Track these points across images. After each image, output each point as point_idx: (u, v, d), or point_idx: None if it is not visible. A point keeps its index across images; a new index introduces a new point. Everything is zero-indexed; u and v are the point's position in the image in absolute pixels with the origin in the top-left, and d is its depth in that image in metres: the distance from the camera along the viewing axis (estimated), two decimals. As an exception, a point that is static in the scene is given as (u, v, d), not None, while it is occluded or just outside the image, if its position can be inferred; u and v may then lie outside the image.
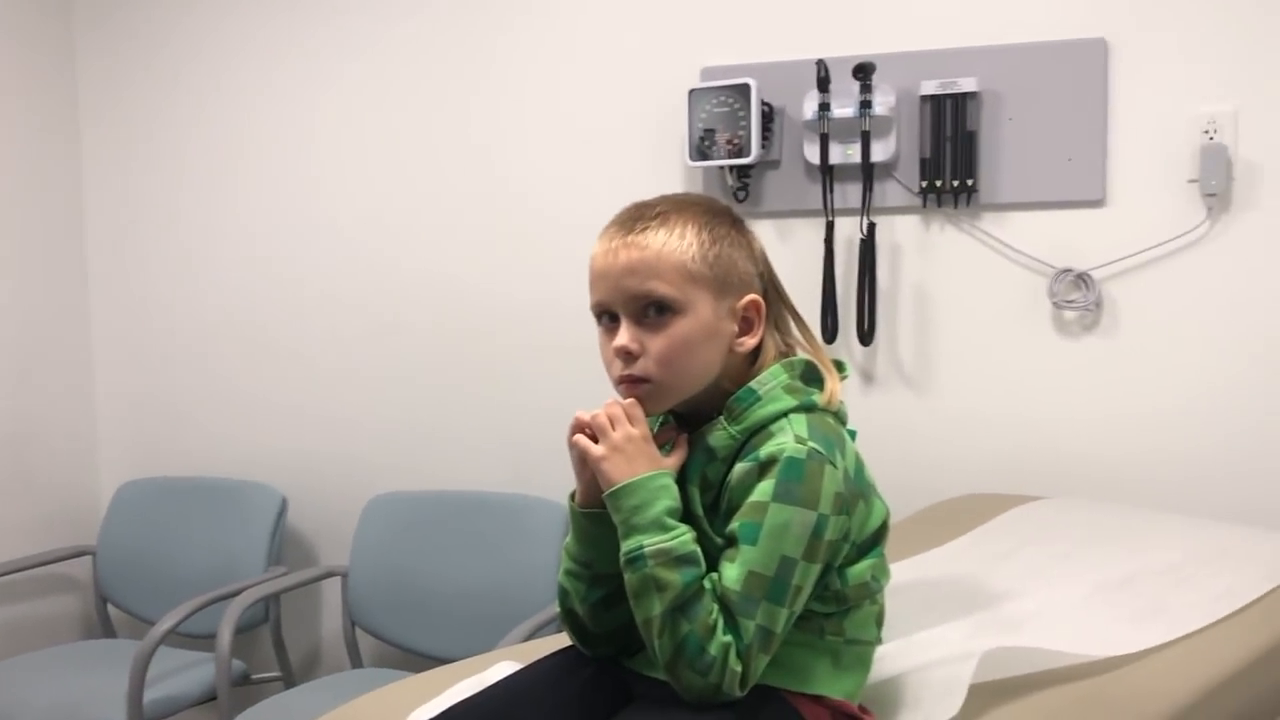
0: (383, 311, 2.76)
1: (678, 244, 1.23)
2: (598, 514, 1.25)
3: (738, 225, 1.29)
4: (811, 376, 1.28)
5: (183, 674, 2.51)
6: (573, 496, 1.30)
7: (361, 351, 2.79)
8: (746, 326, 1.27)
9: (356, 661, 2.69)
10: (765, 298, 1.28)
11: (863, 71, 2.21)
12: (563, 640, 1.42)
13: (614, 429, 1.21)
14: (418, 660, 2.59)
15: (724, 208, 1.30)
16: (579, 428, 1.24)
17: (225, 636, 2.38)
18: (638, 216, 1.26)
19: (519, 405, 2.65)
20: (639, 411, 1.23)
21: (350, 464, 2.81)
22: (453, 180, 2.67)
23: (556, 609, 1.36)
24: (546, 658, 1.36)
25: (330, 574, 2.73)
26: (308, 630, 2.91)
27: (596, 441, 1.22)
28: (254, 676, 2.67)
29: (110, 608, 2.90)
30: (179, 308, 2.96)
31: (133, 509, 2.91)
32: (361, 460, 2.80)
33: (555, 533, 2.47)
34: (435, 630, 2.56)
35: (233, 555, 2.74)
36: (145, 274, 2.98)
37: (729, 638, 1.15)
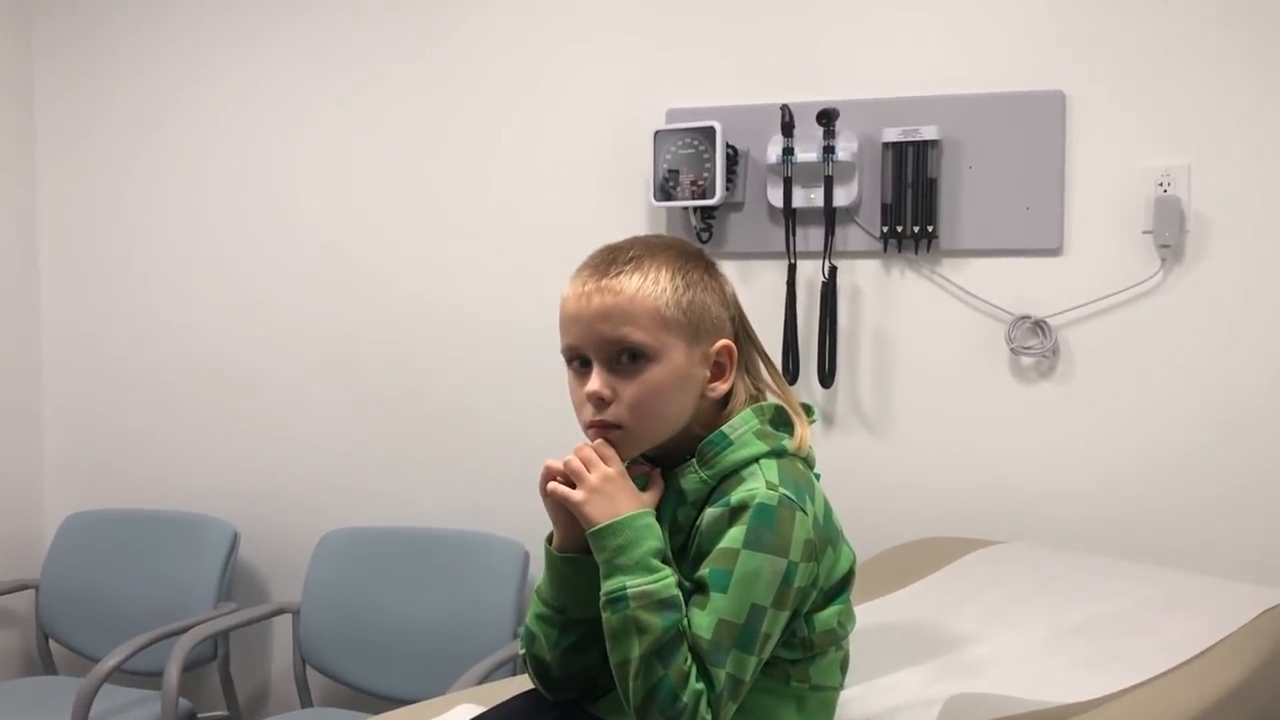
0: (340, 344, 2.73)
1: (652, 289, 1.22)
2: (576, 559, 1.24)
3: (710, 269, 1.29)
4: (781, 421, 1.28)
5: (127, 713, 2.45)
6: (549, 540, 1.28)
7: (317, 384, 2.76)
8: (719, 371, 1.26)
9: (306, 701, 2.64)
10: (736, 341, 1.28)
11: (826, 117, 2.23)
12: (523, 683, 1.40)
13: (589, 471, 1.20)
14: (369, 700, 2.55)
15: (696, 250, 1.30)
16: (550, 476, 1.22)
17: (173, 674, 2.32)
18: (611, 260, 1.25)
19: (476, 441, 2.64)
20: (610, 451, 1.22)
21: (304, 498, 2.78)
22: (415, 215, 2.66)
23: (520, 650, 1.34)
24: (509, 701, 1.35)
25: (281, 610, 2.68)
26: (257, 668, 2.86)
27: (574, 487, 1.20)
28: (200, 716, 2.60)
29: (52, 644, 2.83)
30: (132, 336, 2.91)
31: (78, 541, 2.84)
32: (315, 494, 2.77)
33: (512, 570, 2.45)
34: (388, 670, 2.52)
35: (181, 590, 2.68)
36: (99, 301, 2.94)
37: (701, 685, 1.14)
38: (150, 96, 2.86)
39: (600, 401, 1.22)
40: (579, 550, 1.23)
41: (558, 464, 1.22)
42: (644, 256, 1.24)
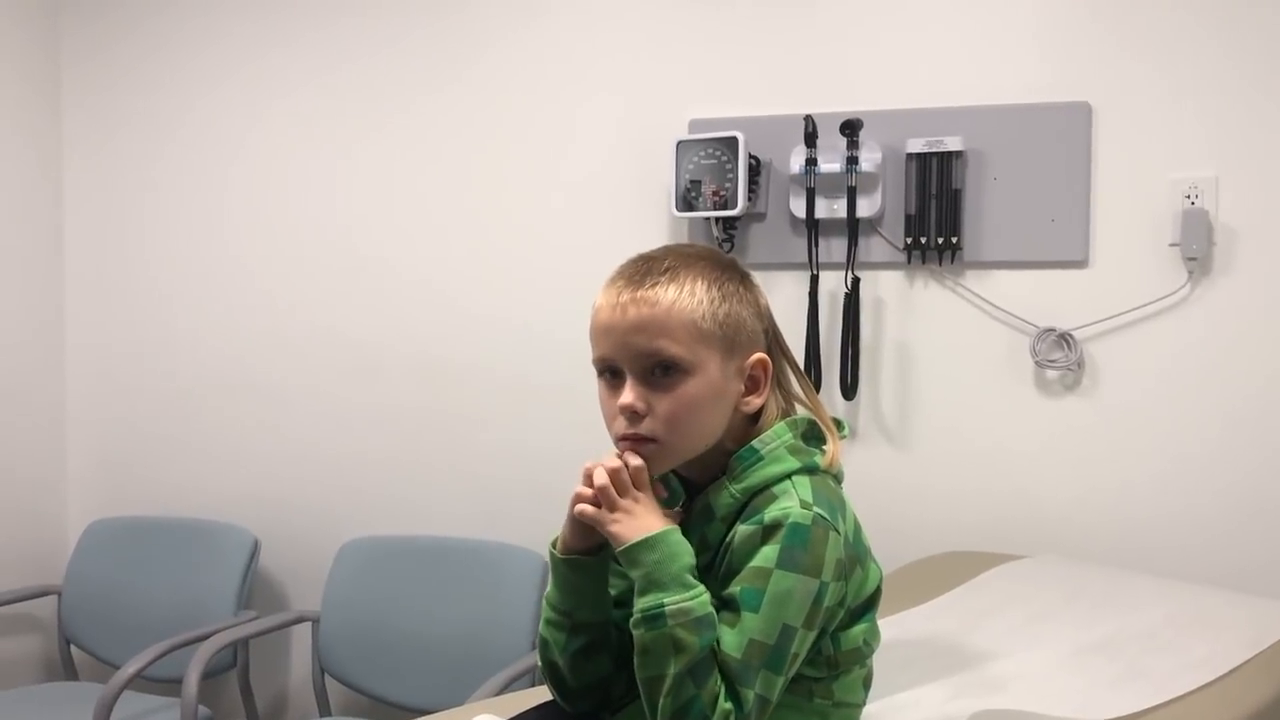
0: (361, 354, 2.74)
1: (688, 301, 1.19)
2: (579, 561, 1.23)
3: (745, 280, 1.27)
4: (813, 435, 1.26)
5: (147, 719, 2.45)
6: (554, 545, 1.27)
7: (338, 394, 2.76)
8: (753, 385, 1.24)
9: (325, 710, 2.64)
10: (769, 354, 1.26)
11: (850, 128, 2.22)
12: (541, 694, 1.39)
13: (622, 497, 1.18)
14: (387, 710, 2.55)
15: (730, 261, 1.28)
16: (587, 479, 1.19)
17: (192, 682, 2.33)
18: (646, 270, 1.22)
19: (496, 451, 2.63)
20: (645, 476, 1.19)
21: (324, 507, 2.78)
22: (435, 225, 2.67)
23: (537, 661, 1.32)
24: (528, 712, 1.34)
25: (301, 619, 2.68)
26: (276, 676, 2.86)
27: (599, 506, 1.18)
28: (219, 723, 2.62)
29: (74, 649, 2.84)
30: (154, 344, 2.93)
31: (100, 548, 2.86)
32: (335, 503, 2.77)
33: (531, 581, 2.44)
34: (406, 679, 2.51)
35: (202, 598, 2.69)
36: (122, 310, 2.96)
37: (730, 705, 1.12)
38: (174, 106, 2.88)
39: (634, 415, 1.19)
40: (580, 552, 1.22)
41: (599, 478, 1.18)
42: (680, 267, 1.22)
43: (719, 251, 1.31)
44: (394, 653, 2.53)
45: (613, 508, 1.17)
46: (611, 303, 1.21)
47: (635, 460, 1.19)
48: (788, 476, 1.20)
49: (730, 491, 1.21)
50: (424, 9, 2.64)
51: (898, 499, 2.29)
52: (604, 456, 1.20)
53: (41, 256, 2.95)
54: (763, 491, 1.19)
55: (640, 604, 1.14)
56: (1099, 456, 2.21)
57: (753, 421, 1.25)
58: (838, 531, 1.17)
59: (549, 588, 1.28)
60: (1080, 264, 2.21)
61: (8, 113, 2.85)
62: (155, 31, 2.88)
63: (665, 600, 1.13)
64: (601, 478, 1.17)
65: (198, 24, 2.84)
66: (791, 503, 1.16)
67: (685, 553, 1.17)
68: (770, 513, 1.16)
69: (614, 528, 1.17)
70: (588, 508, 1.19)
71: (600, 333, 1.23)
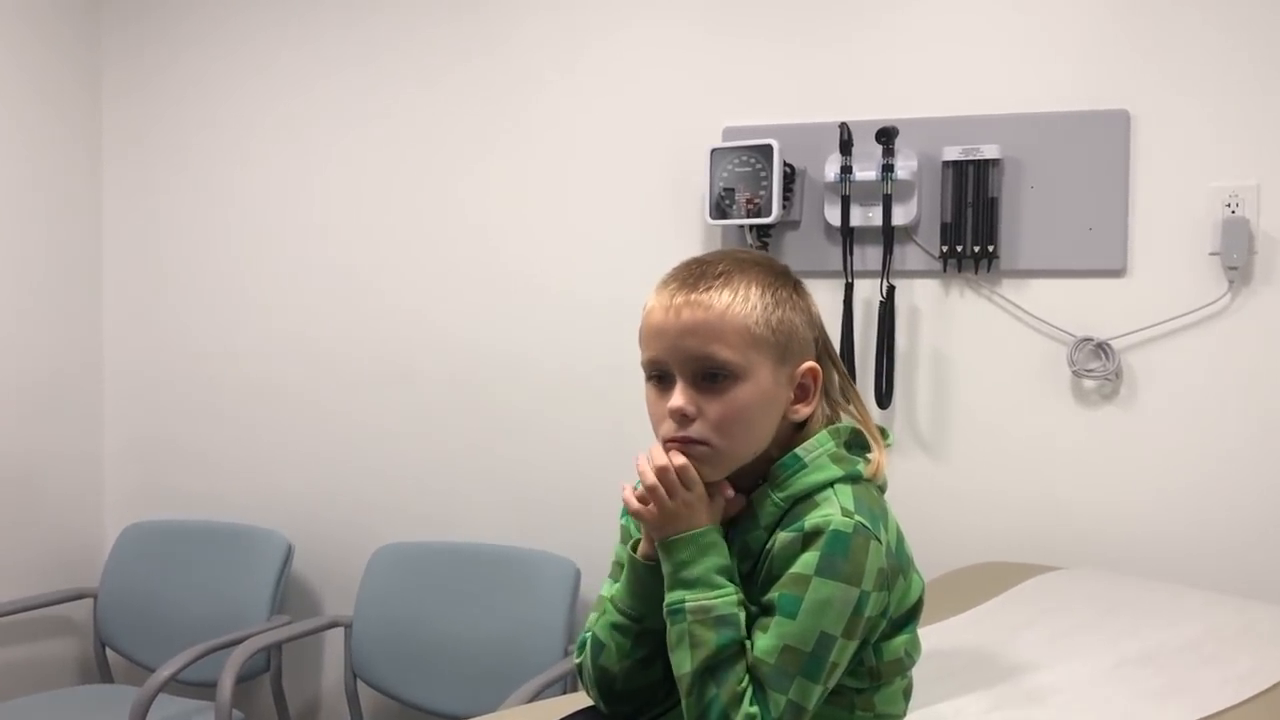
0: (396, 361, 2.75)
1: (742, 306, 1.18)
2: (658, 568, 1.21)
3: (798, 288, 1.26)
4: (857, 443, 1.25)
5: (181, 723, 2.47)
6: (633, 547, 1.26)
7: (373, 400, 2.78)
8: (802, 394, 1.23)
9: (357, 715, 2.65)
10: (819, 362, 1.25)
11: (886, 136, 2.22)
12: (574, 701, 1.39)
13: (671, 497, 1.17)
14: (419, 716, 2.56)
15: (784, 268, 1.27)
16: (642, 472, 1.19)
17: (226, 686, 2.34)
18: (700, 274, 1.21)
19: (529, 458, 2.64)
20: (693, 474, 1.18)
21: (358, 512, 2.79)
22: (471, 233, 2.68)
23: (576, 660, 1.31)
24: (566, 718, 1.33)
25: (334, 624, 2.69)
26: (308, 681, 2.87)
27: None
28: (252, 727, 2.63)
29: (109, 652, 2.86)
30: (191, 351, 2.95)
31: (136, 551, 2.88)
32: (369, 509, 2.78)
33: (564, 588, 2.44)
34: (439, 685, 2.52)
35: (236, 602, 2.71)
36: (160, 316, 2.98)
37: (755, 709, 1.11)
38: (215, 131, 2.89)
39: (683, 418, 1.18)
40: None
41: (649, 477, 1.18)
42: (734, 272, 1.21)
43: (772, 258, 1.30)
44: (426, 658, 2.54)
45: (661, 506, 1.17)
46: (665, 305, 1.20)
47: (679, 459, 1.18)
48: (830, 485, 1.19)
49: (773, 499, 1.20)
50: (468, 23, 2.65)
51: (933, 508, 2.28)
52: (652, 450, 1.20)
53: (81, 265, 2.98)
54: (805, 499, 1.19)
55: (667, 599, 1.16)
56: (1137, 467, 2.19)
57: (798, 429, 1.24)
58: (879, 540, 1.16)
59: (617, 590, 1.27)
60: (1118, 273, 2.19)
61: (49, 130, 2.88)
62: (195, 24, 2.90)
63: (687, 597, 1.14)
64: (651, 479, 1.17)
65: (239, 27, 2.86)
66: (833, 510, 1.16)
67: (717, 553, 1.17)
68: (811, 519, 1.15)
69: (659, 522, 1.18)
70: (634, 500, 1.20)
71: (652, 334, 1.22)
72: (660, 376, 1.22)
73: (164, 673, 2.35)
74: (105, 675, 2.87)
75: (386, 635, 2.59)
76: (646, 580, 1.23)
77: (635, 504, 1.20)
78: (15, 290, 2.82)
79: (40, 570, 2.88)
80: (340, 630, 2.68)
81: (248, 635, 2.51)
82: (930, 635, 1.70)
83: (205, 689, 2.51)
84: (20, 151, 2.82)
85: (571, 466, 2.58)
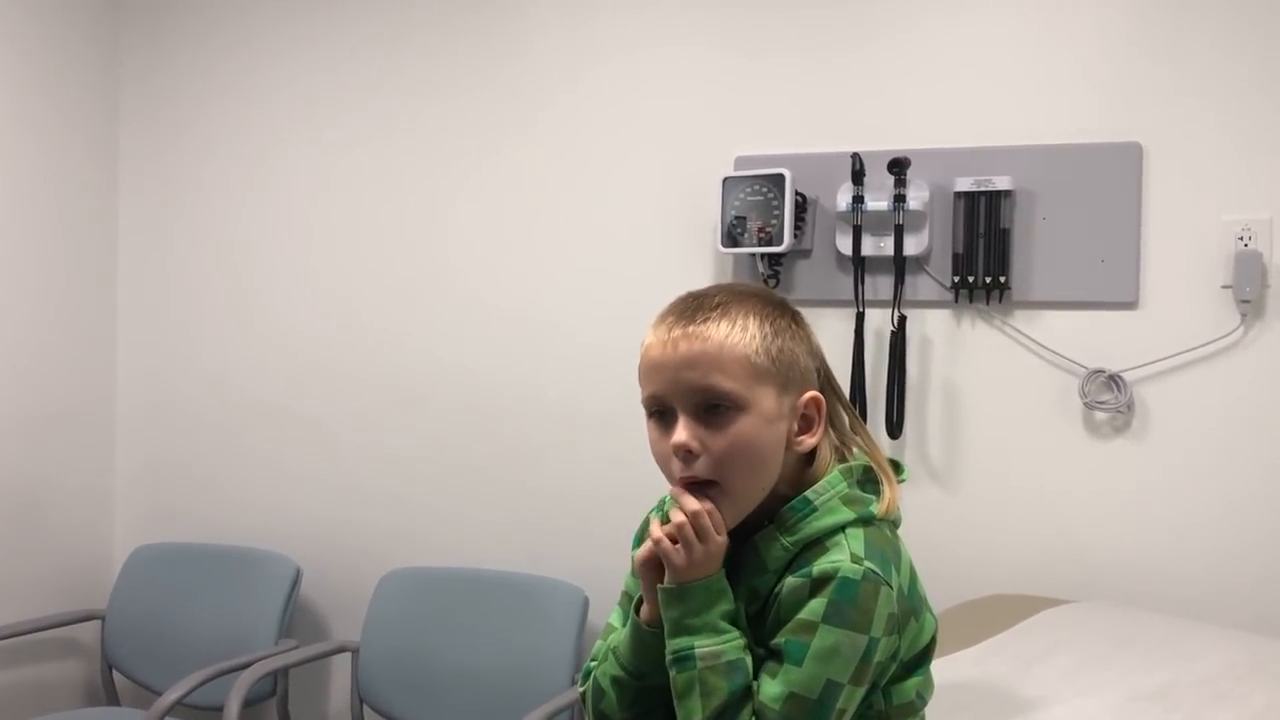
0: (406, 387, 2.75)
1: (740, 336, 1.17)
2: (661, 632, 1.20)
3: (796, 318, 1.25)
4: (868, 480, 1.24)
5: (187, 746, 2.47)
6: (636, 609, 1.24)
7: (383, 425, 2.78)
8: (806, 425, 1.22)
9: (363, 740, 2.64)
10: (821, 394, 1.24)
11: (898, 166, 2.22)
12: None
13: (700, 542, 1.16)
14: (426, 742, 2.54)
15: (781, 299, 1.26)
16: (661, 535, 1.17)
17: (233, 710, 2.34)
18: (697, 306, 1.20)
19: (539, 485, 2.63)
20: (719, 518, 1.17)
21: (367, 537, 2.79)
22: (483, 260, 2.68)
23: (579, 688, 1.31)
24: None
25: (341, 649, 2.69)
26: (314, 706, 2.86)
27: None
28: (258, 752, 2.62)
29: (116, 675, 2.86)
30: (202, 375, 2.96)
31: (145, 574, 2.88)
32: (378, 534, 2.78)
33: (572, 616, 2.43)
34: (445, 712, 2.51)
35: (244, 625, 2.70)
36: (173, 339, 2.99)
37: None
38: (231, 156, 2.91)
39: (688, 454, 1.17)
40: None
41: (658, 533, 1.17)
42: (731, 303, 1.20)
43: (769, 290, 1.31)
44: (433, 685, 2.53)
45: (690, 550, 1.16)
46: (662, 339, 1.20)
47: (709, 504, 1.17)
48: (841, 529, 1.18)
49: (782, 543, 1.18)
50: (484, 55, 2.66)
51: (943, 540, 2.26)
52: (683, 498, 1.18)
53: (96, 288, 3.00)
54: (815, 544, 1.17)
55: (670, 645, 1.15)
56: (1148, 500, 2.18)
57: (807, 463, 1.23)
58: (889, 585, 1.15)
59: (621, 645, 1.26)
60: (1130, 305, 2.18)
61: (65, 143, 2.91)
62: (214, 46, 2.92)
63: (696, 643, 1.13)
64: (679, 517, 1.16)
65: (258, 50, 2.89)
66: (842, 556, 1.14)
67: (724, 600, 1.16)
68: (819, 565, 1.14)
69: (681, 565, 1.16)
70: (665, 542, 1.17)
71: (650, 370, 1.20)
72: (661, 413, 1.20)
73: (171, 696, 2.35)
74: (112, 698, 2.86)
75: (394, 661, 2.58)
76: (650, 644, 1.21)
77: (667, 544, 1.17)
78: (31, 312, 2.84)
79: (48, 591, 2.88)
80: (347, 655, 2.67)
81: (255, 659, 2.51)
82: (941, 668, 1.69)
83: (212, 713, 2.50)
84: (37, 173, 2.84)
85: (581, 494, 2.57)
